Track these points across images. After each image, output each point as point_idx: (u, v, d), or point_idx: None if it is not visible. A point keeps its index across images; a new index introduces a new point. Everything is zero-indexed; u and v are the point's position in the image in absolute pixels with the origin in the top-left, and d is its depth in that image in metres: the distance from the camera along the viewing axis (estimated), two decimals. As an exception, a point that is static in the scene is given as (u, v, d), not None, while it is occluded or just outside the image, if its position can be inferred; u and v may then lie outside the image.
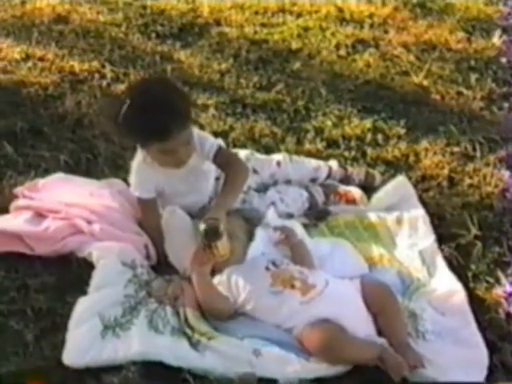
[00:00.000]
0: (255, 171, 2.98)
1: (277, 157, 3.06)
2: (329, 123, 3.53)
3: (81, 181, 2.80)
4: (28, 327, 2.31)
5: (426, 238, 2.80)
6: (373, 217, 2.88)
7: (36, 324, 2.33)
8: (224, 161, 2.71)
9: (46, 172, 2.94)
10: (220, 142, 2.78)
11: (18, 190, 2.75)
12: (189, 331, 2.30)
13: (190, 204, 2.75)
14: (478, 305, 2.53)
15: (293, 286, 2.39)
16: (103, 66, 3.75)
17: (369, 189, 3.08)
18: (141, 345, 2.20)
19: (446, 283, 2.61)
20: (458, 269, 2.70)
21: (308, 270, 2.48)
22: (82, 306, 2.32)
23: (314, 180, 3.05)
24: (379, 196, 2.97)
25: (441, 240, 2.80)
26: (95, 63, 3.76)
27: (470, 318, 2.46)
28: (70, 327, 2.25)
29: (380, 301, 2.38)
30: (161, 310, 2.35)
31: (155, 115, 2.41)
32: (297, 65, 4.01)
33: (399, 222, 2.87)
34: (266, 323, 2.38)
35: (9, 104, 3.35)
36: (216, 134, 3.29)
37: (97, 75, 3.66)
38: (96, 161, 3.03)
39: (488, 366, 2.30)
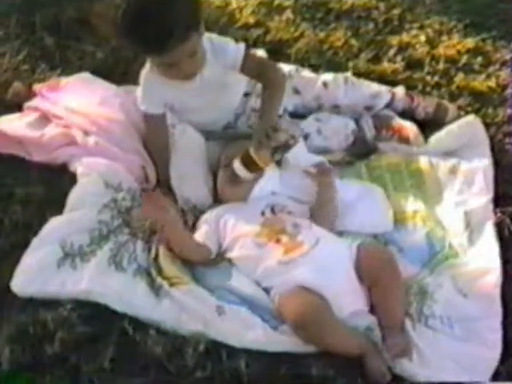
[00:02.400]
0: (296, 91, 2.58)
1: (325, 77, 2.62)
2: (422, 38, 3.00)
3: (100, 85, 2.55)
4: (-1, 239, 2.17)
5: (480, 196, 2.31)
6: (423, 161, 2.42)
7: (7, 238, 2.17)
8: (255, 69, 2.35)
9: (80, 69, 2.72)
10: (243, 46, 2.35)
11: (38, 87, 2.56)
12: (154, 272, 2.05)
13: (208, 122, 2.44)
14: (515, 294, 2.07)
15: (278, 241, 2.06)
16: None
17: (438, 125, 2.59)
18: (90, 282, 1.98)
19: (484, 257, 2.15)
20: (508, 242, 2.21)
21: (308, 223, 2.12)
22: (48, 226, 2.12)
23: (369, 108, 2.60)
24: (439, 137, 2.48)
25: (499, 201, 2.31)
26: None
27: (496, 307, 2.03)
28: (28, 249, 2.07)
29: (375, 271, 1.99)
30: (131, 243, 2.11)
31: (148, 25, 2.07)
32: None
33: (453, 171, 2.39)
34: (246, 277, 2.08)
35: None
36: (281, 43, 2.94)
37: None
38: (136, 62, 2.75)
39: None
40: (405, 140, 2.49)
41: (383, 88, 2.64)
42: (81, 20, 2.96)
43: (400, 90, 2.64)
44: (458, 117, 2.60)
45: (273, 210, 2.16)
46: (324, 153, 2.45)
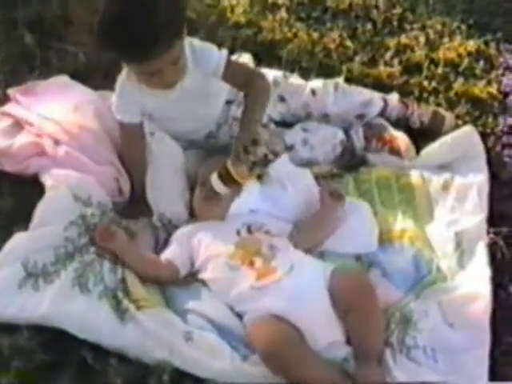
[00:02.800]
0: (282, 99, 2.45)
1: (314, 83, 2.48)
2: (421, 40, 2.84)
3: (77, 89, 2.43)
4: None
5: (473, 214, 2.17)
6: (414, 176, 2.28)
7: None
8: (237, 77, 2.21)
9: (61, 71, 2.60)
10: (226, 53, 2.21)
11: (12, 91, 2.45)
12: (120, 294, 1.93)
13: (189, 131, 2.32)
14: (507, 323, 1.94)
15: (252, 263, 1.94)
16: None
17: (433, 134, 2.44)
18: (50, 306, 1.86)
19: (474, 281, 2.01)
20: (501, 265, 2.07)
21: (285, 244, 2.00)
22: (12, 243, 2.01)
23: (360, 117, 2.46)
24: (432, 149, 2.33)
25: (494, 221, 2.17)
26: None
27: (484, 336, 1.89)
28: (-11, 268, 1.97)
29: (349, 297, 1.85)
30: (97, 263, 1.99)
31: (129, 31, 1.94)
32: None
33: (446, 187, 2.25)
34: (219, 300, 1.96)
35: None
36: (272, 44, 2.81)
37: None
38: (118, 65, 2.62)
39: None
40: (396, 152, 2.35)
41: (376, 95, 2.49)
42: (65, 18, 2.84)
43: (394, 97, 2.50)
44: (456, 126, 2.46)
45: (249, 229, 2.04)
46: (310, 165, 2.32)
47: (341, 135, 2.38)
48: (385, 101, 2.48)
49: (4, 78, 2.57)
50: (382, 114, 2.47)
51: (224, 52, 2.21)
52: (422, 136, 2.44)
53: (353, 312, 1.83)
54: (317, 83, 2.48)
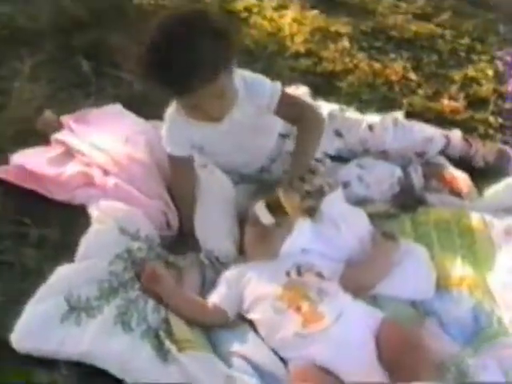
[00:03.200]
0: (339, 134, 2.37)
1: (372, 118, 2.39)
2: (489, 73, 2.73)
3: (129, 119, 2.40)
4: (8, 283, 2.03)
5: (539, 263, 2.03)
6: (475, 218, 2.16)
7: (17, 283, 2.04)
8: (290, 110, 2.16)
9: (116, 98, 2.59)
10: (280, 86, 2.16)
11: (66, 118, 2.43)
12: (163, 334, 1.87)
13: (240, 165, 2.26)
14: None
15: (298, 308, 1.84)
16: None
17: (497, 175, 2.32)
18: (91, 343, 1.80)
19: (539, 336, 1.88)
20: None
21: (335, 288, 1.91)
22: (56, 276, 1.96)
23: (420, 154, 2.35)
24: (496, 191, 2.22)
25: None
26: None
27: (547, 398, 1.75)
28: (32, 300, 1.92)
29: (398, 351, 1.74)
30: (142, 300, 1.93)
31: (169, 63, 1.91)
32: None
33: (509, 231, 2.12)
34: (264, 343, 1.88)
35: (112, 12, 2.98)
36: (332, 75, 2.73)
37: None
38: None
39: None
40: (456, 193, 2.24)
41: (438, 132, 2.39)
42: (122, 46, 2.82)
43: (456, 135, 2.39)
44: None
45: (299, 271, 1.95)
46: (365, 203, 2.22)
47: (398, 173, 2.28)
48: (447, 138, 2.38)
49: (59, 105, 2.57)
50: (444, 152, 2.36)
51: (278, 85, 2.15)
52: (484, 176, 2.32)
53: (399, 370, 1.72)
54: (374, 118, 2.40)
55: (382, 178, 2.27)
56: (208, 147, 2.19)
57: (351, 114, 2.42)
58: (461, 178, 2.27)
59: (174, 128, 2.15)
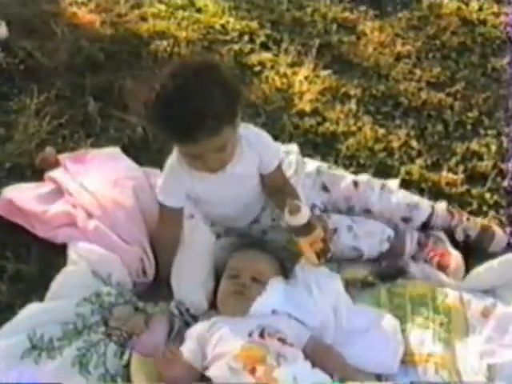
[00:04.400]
0: (325, 188, 2.38)
1: (358, 177, 2.41)
2: (493, 148, 2.69)
3: (123, 164, 2.43)
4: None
5: None
6: (453, 297, 2.12)
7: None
8: (277, 180, 2.23)
9: (117, 141, 2.63)
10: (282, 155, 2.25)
11: (63, 157, 2.48)
12: (119, 381, 1.87)
13: (234, 217, 2.28)
14: None
15: (253, 370, 1.82)
16: (262, 27, 3.26)
17: (479, 253, 2.29)
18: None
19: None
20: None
21: (295, 354, 1.88)
22: (23, 313, 1.99)
23: (406, 220, 2.34)
24: (477, 273, 2.17)
25: (533, 358, 1.98)
26: (255, 22, 3.28)
27: None
28: (-3, 335, 1.95)
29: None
30: (103, 344, 1.94)
31: (178, 113, 1.94)
32: (504, 60, 3.12)
33: (486, 313, 2.07)
34: (220, 402, 1.86)
35: (129, 56, 3.04)
36: (333, 136, 2.73)
37: (246, 37, 3.19)
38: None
39: None
40: (443, 267, 2.21)
41: (424, 201, 2.38)
42: (133, 89, 2.87)
43: (441, 205, 2.37)
44: (507, 247, 2.30)
45: (262, 333, 1.93)
46: (353, 255, 2.24)
47: (389, 232, 2.27)
48: (432, 208, 2.36)
49: (61, 142, 2.62)
50: (428, 222, 2.34)
51: (281, 155, 2.26)
52: (473, 256, 2.28)
53: None
54: (361, 177, 2.40)
55: (371, 233, 2.26)
56: (205, 198, 2.20)
57: (337, 171, 2.43)
58: (453, 255, 2.24)
59: (173, 177, 2.15)
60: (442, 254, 2.25)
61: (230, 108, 2.01)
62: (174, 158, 2.17)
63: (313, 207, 2.31)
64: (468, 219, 2.34)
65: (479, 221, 2.36)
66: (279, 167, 2.24)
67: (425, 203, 2.37)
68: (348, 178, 2.39)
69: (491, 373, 1.94)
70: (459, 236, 2.32)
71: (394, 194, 2.37)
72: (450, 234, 2.34)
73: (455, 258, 2.24)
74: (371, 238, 2.27)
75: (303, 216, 2.02)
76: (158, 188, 2.20)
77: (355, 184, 2.36)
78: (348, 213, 2.35)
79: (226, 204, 2.23)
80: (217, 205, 2.24)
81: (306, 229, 2.03)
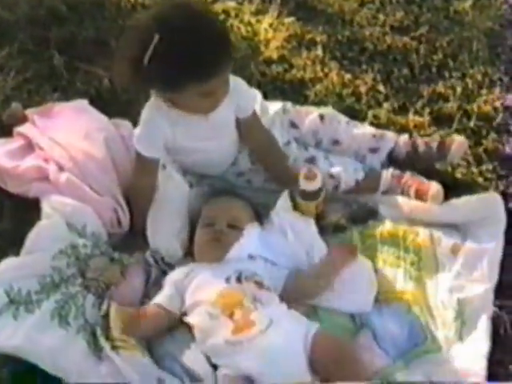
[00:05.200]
0: (294, 125, 2.41)
1: (324, 110, 2.45)
2: (458, 90, 2.72)
3: (92, 116, 2.41)
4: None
5: (480, 283, 2.04)
6: (423, 235, 2.16)
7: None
8: (256, 132, 2.29)
9: (84, 94, 2.60)
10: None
11: (30, 111, 2.45)
12: (99, 331, 1.90)
13: (212, 164, 2.30)
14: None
15: (231, 315, 1.86)
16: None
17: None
18: (25, 338, 1.84)
19: (469, 357, 1.89)
20: (503, 342, 1.95)
21: (270, 297, 1.92)
22: (-1, 268, 2.01)
23: (373, 150, 2.38)
24: (454, 205, 2.20)
25: (502, 292, 2.04)
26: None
27: (471, 418, 1.77)
28: (-28, 293, 1.95)
29: (330, 365, 1.76)
30: (81, 296, 1.96)
31: (198, 48, 1.94)
32: (466, 3, 3.13)
33: (455, 250, 2.13)
34: (198, 348, 1.89)
35: (92, 8, 2.99)
36: (301, 83, 2.73)
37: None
38: (144, 93, 2.57)
39: None
40: (422, 194, 2.23)
41: (388, 132, 2.43)
42: (99, 41, 2.83)
43: (403, 136, 2.43)
44: (477, 184, 2.35)
45: (239, 278, 1.96)
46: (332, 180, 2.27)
47: (360, 166, 2.32)
48: (396, 138, 2.42)
49: (27, 97, 2.59)
50: (392, 151, 2.39)
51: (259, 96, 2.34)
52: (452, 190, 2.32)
53: (331, 382, 1.74)
54: (326, 110, 2.44)
55: (346, 162, 2.31)
56: (186, 145, 2.19)
57: (298, 107, 2.47)
58: (432, 183, 2.26)
59: (152, 127, 2.14)
60: (421, 183, 2.28)
61: (228, 33, 2.13)
62: (152, 107, 2.16)
63: (287, 144, 2.35)
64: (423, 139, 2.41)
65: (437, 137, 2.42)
66: (255, 116, 2.25)
67: (389, 133, 2.42)
68: (314, 112, 2.42)
69: (460, 306, 2.00)
70: (421, 148, 2.36)
71: (360, 127, 2.42)
72: (414, 152, 2.38)
73: (434, 185, 2.26)
74: (346, 166, 2.30)
75: (319, 181, 2.09)
76: (135, 138, 2.18)
77: (321, 117, 2.40)
78: (317, 146, 2.38)
79: (205, 150, 2.24)
80: (196, 152, 2.24)
81: (317, 193, 2.12)
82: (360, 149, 2.37)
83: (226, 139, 2.27)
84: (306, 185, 2.11)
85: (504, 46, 2.93)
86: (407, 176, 2.31)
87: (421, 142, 2.38)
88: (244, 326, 1.82)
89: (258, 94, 2.45)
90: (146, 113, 2.17)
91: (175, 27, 1.97)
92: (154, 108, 2.15)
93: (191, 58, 1.96)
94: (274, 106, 2.42)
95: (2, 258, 2.06)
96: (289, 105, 2.45)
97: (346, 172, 2.29)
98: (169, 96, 2.10)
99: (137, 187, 2.23)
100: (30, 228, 2.13)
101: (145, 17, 2.07)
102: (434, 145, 2.36)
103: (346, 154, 2.37)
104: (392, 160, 2.38)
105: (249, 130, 2.25)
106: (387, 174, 2.31)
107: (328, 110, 2.44)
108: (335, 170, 2.28)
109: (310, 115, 2.41)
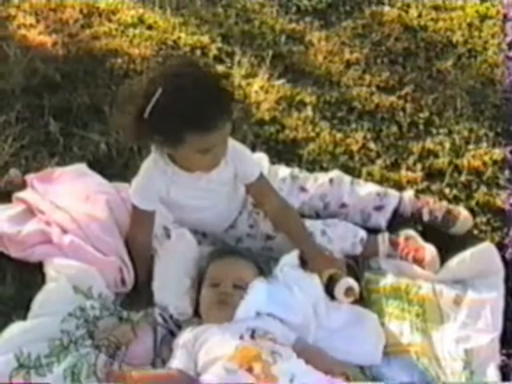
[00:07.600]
0: (303, 189, 2.46)
1: (331, 173, 2.52)
2: (446, 145, 2.80)
3: (93, 179, 2.44)
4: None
5: (486, 333, 2.07)
6: (425, 288, 2.20)
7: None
8: (266, 196, 2.33)
9: (81, 159, 2.63)
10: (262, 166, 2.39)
11: (30, 177, 2.47)
12: (111, 391, 1.89)
13: (209, 222, 2.34)
14: None
15: (250, 369, 1.85)
16: (213, 41, 3.31)
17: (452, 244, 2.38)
18: (38, 401, 1.83)
19: (482, 405, 1.91)
20: (512, 390, 1.98)
21: (289, 352, 1.92)
22: (7, 333, 1.99)
23: (378, 208, 2.43)
24: (450, 265, 2.25)
25: (507, 341, 2.07)
26: (206, 37, 3.33)
27: None
28: (-18, 358, 1.93)
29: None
30: (93, 355, 1.95)
31: (199, 102, 2.01)
32: (448, 63, 3.24)
33: (458, 302, 2.16)
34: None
35: (85, 75, 3.04)
36: (294, 143, 2.80)
37: (199, 52, 3.24)
38: (139, 155, 2.62)
39: None
40: (419, 261, 2.28)
41: (391, 190, 2.50)
42: (93, 107, 2.88)
43: (408, 193, 2.50)
44: (474, 236, 2.41)
45: (253, 335, 1.97)
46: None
47: (362, 234, 2.34)
48: (399, 196, 2.48)
49: (25, 163, 2.61)
50: (397, 209, 2.44)
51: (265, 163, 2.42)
52: (445, 247, 2.36)
53: None
54: (334, 173, 2.51)
55: (344, 237, 2.33)
56: (181, 202, 2.24)
57: (306, 173, 2.53)
58: (427, 248, 2.31)
59: (148, 180, 2.20)
60: (416, 249, 2.32)
61: (230, 92, 2.17)
62: (150, 162, 2.22)
63: None
64: (435, 202, 2.45)
65: (445, 204, 2.45)
66: (263, 179, 2.30)
67: (392, 191, 2.48)
68: (323, 176, 2.49)
69: (468, 357, 2.03)
70: (426, 217, 2.41)
71: (363, 186, 2.48)
72: (419, 217, 2.44)
73: (429, 250, 2.31)
74: (344, 242, 2.33)
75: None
76: (131, 190, 2.25)
77: (331, 181, 2.46)
78: (325, 210, 2.44)
79: (199, 209, 2.28)
80: (189, 209, 2.28)
81: None
82: (365, 208, 2.43)
83: (221, 200, 2.30)
84: (344, 299, 2.15)
85: (486, 103, 3.03)
86: (402, 242, 2.35)
87: (426, 211, 2.42)
88: (266, 380, 1.81)
89: (264, 158, 2.51)
90: (143, 166, 2.25)
91: (179, 82, 2.05)
92: (151, 162, 2.22)
93: (191, 111, 2.03)
94: (282, 172, 2.48)
95: (6, 321, 2.06)
96: (296, 171, 2.52)
97: (343, 249, 2.32)
98: (168, 151, 2.15)
99: (133, 240, 2.27)
100: (33, 291, 2.14)
101: (151, 74, 2.15)
102: (439, 214, 2.41)
103: (352, 214, 2.43)
104: (396, 217, 2.44)
105: (258, 194, 2.31)
106: (384, 239, 2.36)
107: (336, 173, 2.51)
108: (332, 247, 2.31)
109: (319, 180, 2.47)
